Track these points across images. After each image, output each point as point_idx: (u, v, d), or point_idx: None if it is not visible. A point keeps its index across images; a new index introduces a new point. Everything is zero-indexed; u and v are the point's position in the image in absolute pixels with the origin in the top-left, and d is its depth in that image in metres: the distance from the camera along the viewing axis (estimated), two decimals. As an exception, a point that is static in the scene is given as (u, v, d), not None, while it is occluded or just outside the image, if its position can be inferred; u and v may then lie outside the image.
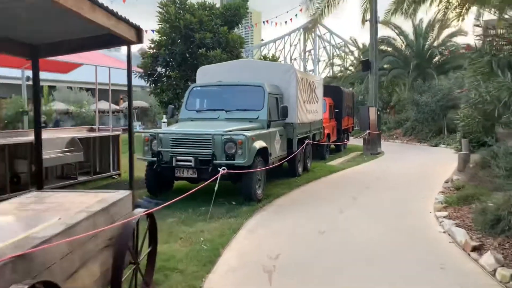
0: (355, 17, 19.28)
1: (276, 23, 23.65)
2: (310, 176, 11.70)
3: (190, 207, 7.53)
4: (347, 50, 37.24)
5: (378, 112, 17.78)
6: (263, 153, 8.54)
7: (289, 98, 10.38)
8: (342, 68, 35.77)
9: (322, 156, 15.38)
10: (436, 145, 21.07)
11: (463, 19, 13.77)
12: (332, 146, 18.14)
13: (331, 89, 17.75)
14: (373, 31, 17.31)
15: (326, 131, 15.60)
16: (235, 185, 8.32)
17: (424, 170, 13.08)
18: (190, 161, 7.75)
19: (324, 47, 73.93)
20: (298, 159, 11.30)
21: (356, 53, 34.44)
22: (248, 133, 7.95)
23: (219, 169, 7.04)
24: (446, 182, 10.35)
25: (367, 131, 17.15)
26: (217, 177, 7.07)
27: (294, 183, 10.44)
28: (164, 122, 14.84)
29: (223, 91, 9.75)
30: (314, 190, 10.03)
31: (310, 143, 12.08)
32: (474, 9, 13.03)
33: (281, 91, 10.31)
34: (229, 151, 7.75)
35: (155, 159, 8.00)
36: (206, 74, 10.92)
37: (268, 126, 9.08)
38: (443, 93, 21.84)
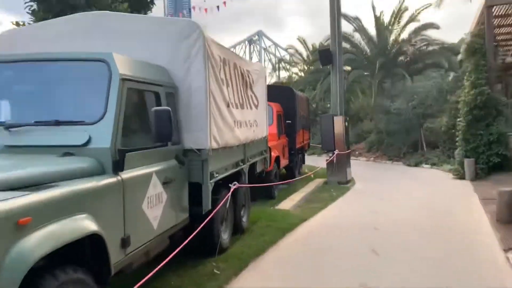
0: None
1: (206, 9, 18.09)
2: (247, 246, 6.09)
3: None
4: (293, 56, 32.40)
5: (346, 124, 12.57)
6: (88, 256, 2.83)
7: (191, 96, 4.71)
8: (290, 74, 30.87)
9: (269, 194, 9.85)
10: (416, 165, 16.21)
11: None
12: (283, 170, 12.78)
13: (279, 92, 12.35)
14: (335, 3, 12.13)
15: (274, 153, 10.11)
16: None
17: (440, 221, 7.76)
18: None
19: (270, 60, 71.55)
20: (223, 218, 5.67)
21: (304, 55, 29.60)
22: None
23: None
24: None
25: (335, 151, 11.84)
26: None
27: (206, 280, 4.75)
28: None
29: (16, 77, 3.91)
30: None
31: (244, 186, 6.47)
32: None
33: (170, 80, 4.63)
34: None
35: None
36: (15, 44, 5.03)
37: (118, 166, 3.35)
38: (420, 97, 17.14)
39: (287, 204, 9.43)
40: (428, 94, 16.90)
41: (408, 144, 18.23)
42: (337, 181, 12.08)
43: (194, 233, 4.23)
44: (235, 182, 5.51)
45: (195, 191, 4.79)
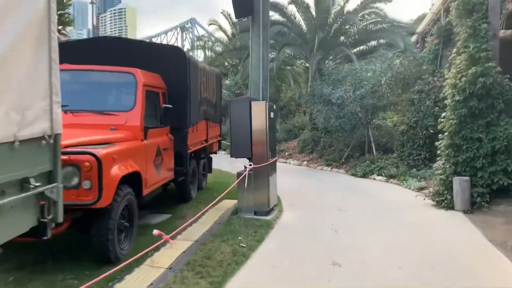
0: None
1: None
2: None
3: None
4: (217, 32, 27.06)
5: (272, 114, 7.64)
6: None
7: None
8: (210, 54, 25.44)
9: (105, 254, 4.68)
10: (364, 175, 11.81)
11: None
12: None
13: (158, 54, 7.18)
14: None
15: (121, 170, 4.90)
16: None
17: None
18: None
19: (202, 47, 69.01)
20: None
21: (229, 32, 24.43)
22: None
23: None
24: None
25: (248, 166, 6.89)
26: None
27: None
28: None
29: None
30: None
31: None
32: None
33: None
34: None
35: None
36: None
37: None
38: (371, 84, 12.79)
39: (142, 277, 4.35)
40: (381, 80, 12.59)
41: (352, 145, 13.89)
42: (254, 209, 7.20)
43: None
44: None
45: None
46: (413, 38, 17.07)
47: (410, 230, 6.40)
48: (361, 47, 17.16)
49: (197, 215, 5.79)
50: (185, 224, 5.43)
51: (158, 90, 6.66)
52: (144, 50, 7.18)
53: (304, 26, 16.95)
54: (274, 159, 7.78)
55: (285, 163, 16.12)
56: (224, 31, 25.36)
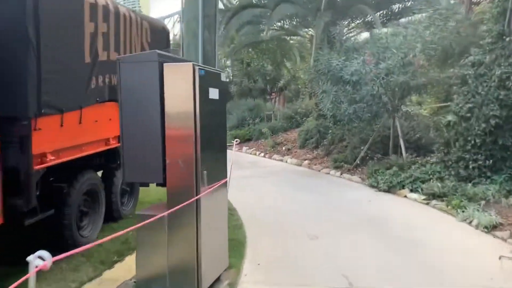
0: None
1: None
2: None
3: None
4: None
5: (216, 93, 3.75)
6: None
7: None
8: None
9: None
10: (390, 189, 7.85)
11: None
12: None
13: None
14: None
15: None
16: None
17: None
18: None
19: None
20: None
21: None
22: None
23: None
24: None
25: (149, 216, 2.84)
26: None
27: None
28: None
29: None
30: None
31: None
32: None
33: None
34: None
35: None
36: None
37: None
38: (402, 54, 8.75)
39: None
40: (416, 48, 8.55)
41: (372, 141, 9.91)
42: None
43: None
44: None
45: None
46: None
47: None
48: (384, 11, 12.97)
49: None
50: None
51: None
52: None
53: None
54: (224, 180, 3.89)
55: (281, 160, 12.26)
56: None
